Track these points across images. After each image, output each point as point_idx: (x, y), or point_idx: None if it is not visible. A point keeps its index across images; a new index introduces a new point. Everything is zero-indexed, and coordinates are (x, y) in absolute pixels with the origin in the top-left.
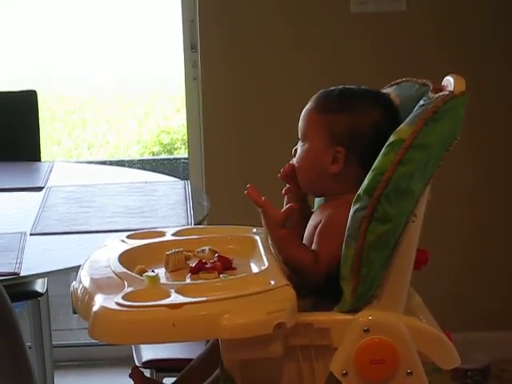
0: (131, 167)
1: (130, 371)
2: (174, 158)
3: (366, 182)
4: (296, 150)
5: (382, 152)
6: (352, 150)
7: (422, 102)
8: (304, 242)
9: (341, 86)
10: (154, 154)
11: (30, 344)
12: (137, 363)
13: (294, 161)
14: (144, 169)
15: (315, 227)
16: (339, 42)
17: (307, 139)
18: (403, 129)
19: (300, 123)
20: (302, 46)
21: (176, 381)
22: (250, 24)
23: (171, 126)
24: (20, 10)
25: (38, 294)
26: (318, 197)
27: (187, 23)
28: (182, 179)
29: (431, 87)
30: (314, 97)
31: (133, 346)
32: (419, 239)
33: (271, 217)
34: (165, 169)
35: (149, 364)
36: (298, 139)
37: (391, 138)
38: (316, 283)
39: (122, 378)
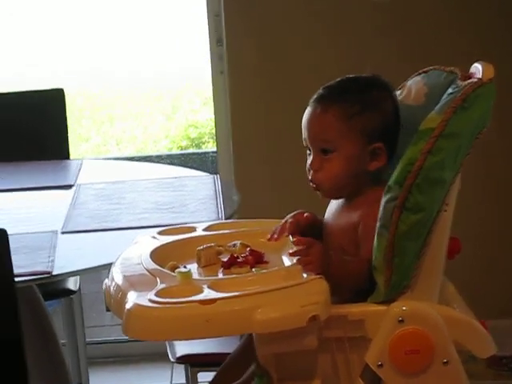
0: (159, 162)
1: (164, 366)
2: (202, 152)
3: (396, 172)
4: (315, 163)
5: (411, 141)
6: (387, 141)
7: (450, 90)
8: (335, 238)
9: (339, 81)
10: (182, 149)
11: (64, 341)
12: (171, 358)
13: (316, 174)
14: (172, 164)
15: (352, 225)
16: (360, 30)
17: (337, 148)
18: (432, 117)
19: (317, 133)
20: (325, 36)
21: (213, 379)
22: (274, 17)
23: (199, 119)
24: (48, 7)
25: (71, 292)
26: (341, 198)
27: (212, 17)
28: (210, 173)
29: (459, 75)
30: (322, 102)
31: (167, 342)
32: (451, 228)
33: (320, 249)
34: (193, 163)
35: (183, 359)
36: (306, 148)
37: (420, 127)
38: (366, 285)
39: (156, 373)
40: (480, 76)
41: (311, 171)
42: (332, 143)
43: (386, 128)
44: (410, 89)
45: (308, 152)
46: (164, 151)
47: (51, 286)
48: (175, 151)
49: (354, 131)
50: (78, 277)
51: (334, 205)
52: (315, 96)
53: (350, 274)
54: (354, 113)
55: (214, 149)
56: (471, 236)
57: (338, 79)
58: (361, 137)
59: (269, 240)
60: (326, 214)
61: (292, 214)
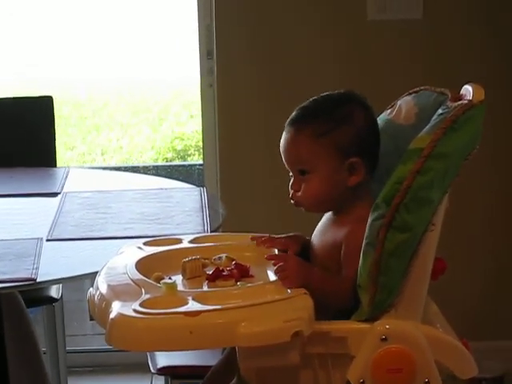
0: (146, 173)
1: (144, 377)
2: (188, 165)
3: (384, 190)
4: (295, 185)
5: (400, 161)
6: (364, 155)
7: (440, 111)
8: (318, 256)
9: (311, 100)
10: (167, 160)
11: (44, 349)
12: (152, 369)
13: (295, 194)
14: (158, 175)
15: (334, 244)
16: (356, 50)
17: (313, 168)
18: (422, 137)
19: (292, 156)
20: (319, 54)
21: None
22: (267, 31)
23: (185, 132)
24: (35, 14)
25: (53, 300)
26: (325, 212)
27: (203, 30)
28: (197, 186)
29: (449, 96)
30: (295, 124)
31: (148, 353)
32: (437, 248)
33: (295, 263)
34: (179, 175)
35: (164, 371)
36: (288, 170)
37: (409, 147)
38: (350, 304)
39: (136, 383)
40: (470, 98)
41: (292, 192)
42: (307, 164)
43: (361, 142)
44: (401, 108)
45: (290, 174)
46: (150, 162)
47: (33, 294)
48: (161, 163)
49: (326, 149)
50: (61, 285)
51: (322, 221)
52: (289, 119)
53: (333, 292)
54: (324, 131)
55: (200, 161)
56: (459, 256)
57: (311, 99)
58: (335, 154)
59: (257, 244)
60: (315, 231)
61: (286, 236)
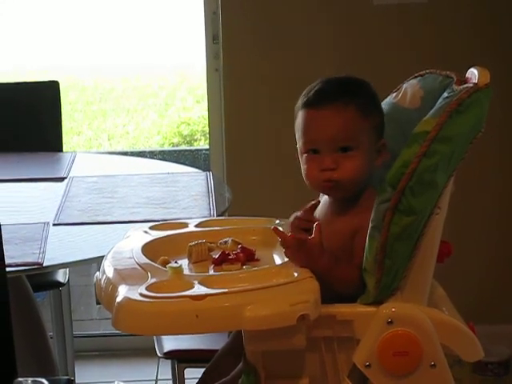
0: (152, 158)
1: (150, 361)
2: (195, 149)
3: (389, 174)
4: (329, 163)
5: (405, 144)
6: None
7: (446, 94)
8: (326, 243)
9: (336, 79)
10: (173, 145)
11: (51, 334)
12: (158, 353)
13: (332, 173)
14: (165, 160)
15: (350, 232)
16: (362, 35)
17: (358, 145)
18: (427, 120)
19: (336, 131)
20: (325, 39)
21: (201, 378)
22: (272, 16)
23: (191, 117)
24: (40, 0)
25: (60, 284)
26: (353, 194)
27: (209, 15)
28: (203, 170)
29: (455, 79)
30: (338, 99)
31: (155, 337)
32: (443, 231)
33: (314, 244)
34: (186, 160)
35: (170, 354)
36: (307, 151)
37: (415, 130)
38: (357, 292)
39: (143, 368)
40: (476, 81)
41: (326, 171)
42: (354, 141)
43: (383, 125)
44: (406, 92)
45: (306, 154)
46: (156, 147)
47: (40, 278)
48: (168, 148)
49: (370, 128)
50: (67, 269)
51: (324, 207)
52: (322, 93)
53: (341, 279)
54: (369, 109)
55: (207, 146)
56: (465, 241)
57: (330, 78)
58: (374, 133)
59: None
60: (318, 216)
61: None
